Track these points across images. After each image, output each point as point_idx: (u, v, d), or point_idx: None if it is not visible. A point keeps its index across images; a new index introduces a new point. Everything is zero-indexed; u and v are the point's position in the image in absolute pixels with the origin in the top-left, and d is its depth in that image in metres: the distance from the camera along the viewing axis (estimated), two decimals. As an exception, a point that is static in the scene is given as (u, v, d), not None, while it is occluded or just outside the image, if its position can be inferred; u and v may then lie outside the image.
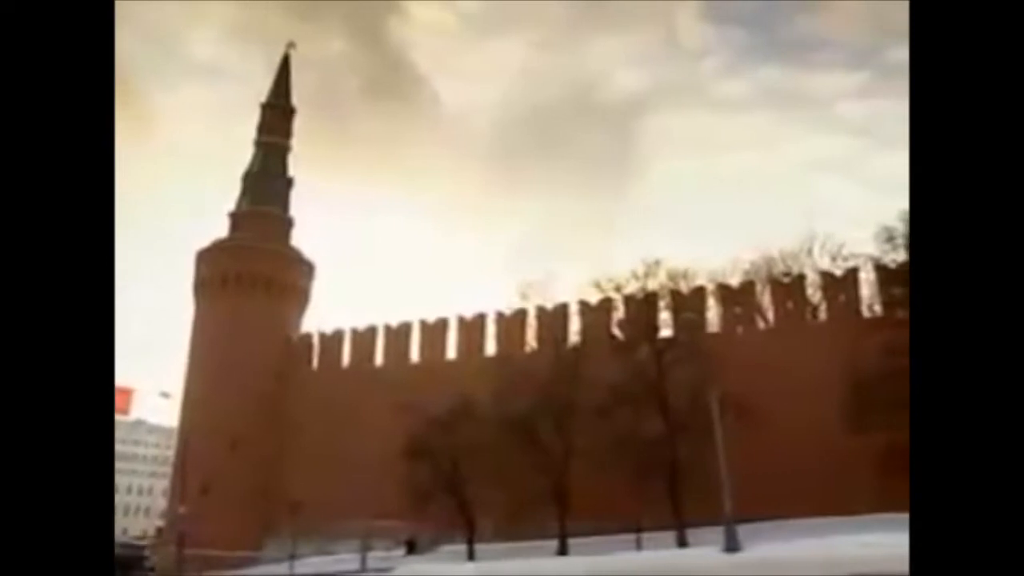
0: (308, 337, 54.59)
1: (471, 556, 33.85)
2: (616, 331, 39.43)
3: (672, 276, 37.80)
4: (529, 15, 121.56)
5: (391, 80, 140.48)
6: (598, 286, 38.89)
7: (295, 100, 61.92)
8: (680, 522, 31.78)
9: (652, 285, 37.36)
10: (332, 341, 53.28)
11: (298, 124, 61.49)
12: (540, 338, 43.80)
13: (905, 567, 16.05)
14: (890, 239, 33.04)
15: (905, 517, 23.06)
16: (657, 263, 37.01)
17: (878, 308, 36.96)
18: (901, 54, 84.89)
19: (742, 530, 22.70)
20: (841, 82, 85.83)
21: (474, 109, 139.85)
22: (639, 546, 30.32)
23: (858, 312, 38.28)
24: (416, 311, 53.05)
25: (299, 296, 56.59)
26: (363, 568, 34.96)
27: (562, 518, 33.87)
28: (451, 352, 49.42)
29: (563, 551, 33.01)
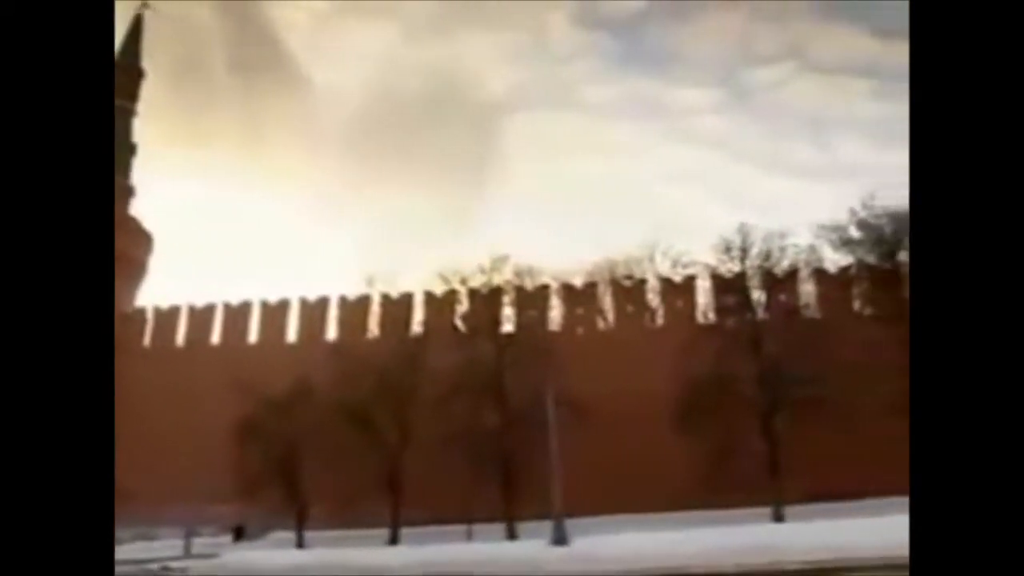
0: (142, 312, 52.40)
1: (300, 544, 33.34)
2: (459, 324, 39.60)
3: (518, 273, 38.33)
4: (403, 4, 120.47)
5: (258, 56, 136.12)
6: (444, 278, 39.02)
7: (150, 64, 59.20)
8: (511, 515, 32.25)
9: (497, 280, 37.78)
10: (167, 317, 51.33)
11: (152, 90, 58.82)
12: (383, 326, 43.54)
13: (719, 563, 16.75)
14: (727, 250, 34.48)
15: (725, 514, 24.09)
16: (504, 259, 37.45)
17: (712, 315, 38.44)
18: (758, 75, 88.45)
19: (572, 525, 23.20)
20: (701, 97, 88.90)
21: (340, 94, 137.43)
22: (469, 538, 30.56)
23: (693, 318, 39.73)
24: (258, 291, 51.71)
25: (133, 268, 54.24)
26: (186, 554, 33.83)
27: (395, 507, 33.79)
28: (291, 335, 48.49)
29: (394, 541, 32.95)
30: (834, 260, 35.67)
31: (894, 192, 33.31)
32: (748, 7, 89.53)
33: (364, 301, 45.63)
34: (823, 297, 36.37)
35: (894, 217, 32.65)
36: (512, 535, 31.58)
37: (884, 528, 18.98)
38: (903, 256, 33.49)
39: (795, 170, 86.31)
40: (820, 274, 36.58)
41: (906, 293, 33.63)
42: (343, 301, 47.36)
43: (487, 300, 37.80)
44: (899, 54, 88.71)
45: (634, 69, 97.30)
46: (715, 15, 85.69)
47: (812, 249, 34.77)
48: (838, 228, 33.65)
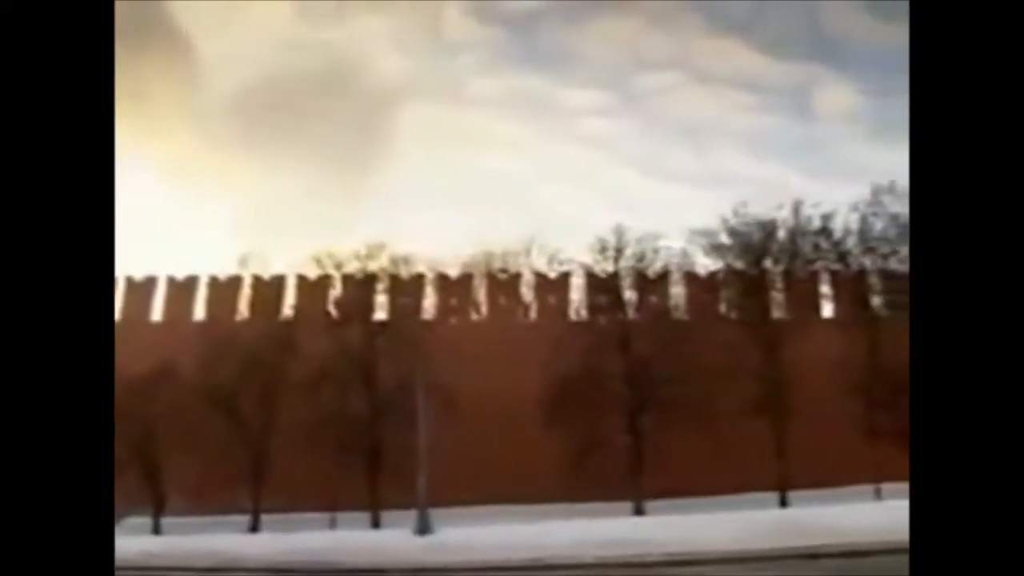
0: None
1: (157, 530, 32.30)
2: (332, 309, 39.04)
3: (394, 260, 38.07)
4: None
5: (144, 22, 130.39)
6: (318, 262, 38.38)
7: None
8: (376, 504, 32.03)
9: (373, 267, 37.47)
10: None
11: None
12: (253, 308, 42.49)
13: (580, 555, 16.98)
14: (603, 250, 35.11)
15: (588, 507, 24.45)
16: (381, 246, 37.16)
17: (584, 313, 38.95)
18: (646, 81, 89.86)
19: (438, 515, 23.20)
20: (589, 99, 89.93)
21: (228, 68, 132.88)
22: (333, 526, 30.21)
23: (566, 315, 40.19)
24: (124, 266, 49.47)
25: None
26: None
27: (257, 494, 33.12)
28: (157, 314, 46.75)
29: (255, 528, 32.30)
30: (704, 264, 36.68)
31: (764, 202, 34.61)
32: (642, 15, 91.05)
33: (235, 282, 44.40)
34: (692, 300, 37.35)
35: (762, 226, 33.89)
36: (376, 524, 31.37)
37: (739, 523, 19.68)
38: (768, 263, 34.78)
39: (674, 176, 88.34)
40: (690, 277, 37.56)
41: (768, 298, 34.96)
42: (213, 281, 45.97)
43: (361, 287, 37.43)
44: (781, 70, 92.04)
45: (525, 66, 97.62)
46: (609, 20, 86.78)
47: (684, 253, 35.75)
48: (709, 234, 34.67)
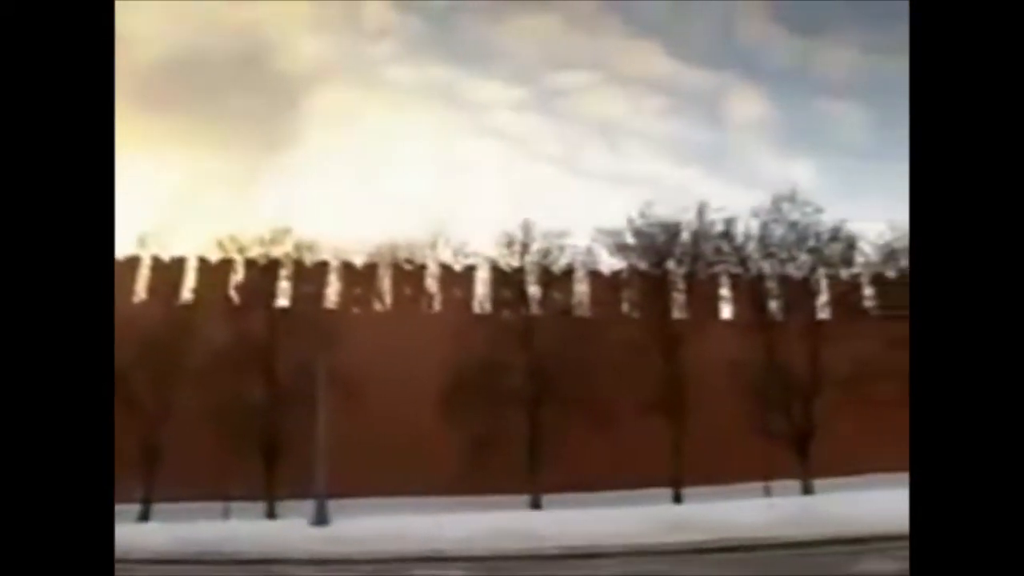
0: None
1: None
2: (233, 294, 38.27)
3: (298, 247, 37.54)
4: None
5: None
6: (221, 245, 37.56)
7: None
8: (272, 493, 31.58)
9: (276, 252, 36.88)
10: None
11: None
12: (151, 290, 41.32)
13: (476, 547, 17.05)
14: (509, 244, 35.28)
15: (486, 500, 24.54)
16: (285, 231, 36.60)
17: (488, 307, 39.09)
18: (562, 80, 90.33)
19: (336, 505, 23.02)
20: (504, 93, 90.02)
21: (138, 42, 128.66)
22: (226, 516, 29.67)
23: (469, 308, 40.25)
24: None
25: None
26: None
27: (148, 482, 32.27)
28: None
29: (145, 517, 31.49)
30: (609, 263, 37.17)
31: (670, 204, 35.26)
32: (560, 14, 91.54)
33: (133, 262, 43.08)
34: (595, 298, 37.81)
35: (666, 227, 34.53)
36: (272, 514, 30.94)
37: (634, 518, 20.07)
38: (670, 264, 35.45)
39: (584, 174, 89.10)
40: (594, 275, 38.01)
41: (669, 299, 35.65)
42: (109, 261, 44.50)
43: (264, 272, 36.80)
44: (694, 76, 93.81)
45: (442, 57, 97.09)
46: (528, 17, 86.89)
47: (589, 251, 36.16)
48: (615, 233, 35.14)
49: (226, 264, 39.56)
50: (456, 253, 42.53)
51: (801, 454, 31.42)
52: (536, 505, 30.49)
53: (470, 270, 41.74)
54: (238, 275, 39.04)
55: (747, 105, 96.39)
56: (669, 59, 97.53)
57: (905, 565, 13.52)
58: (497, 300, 37.87)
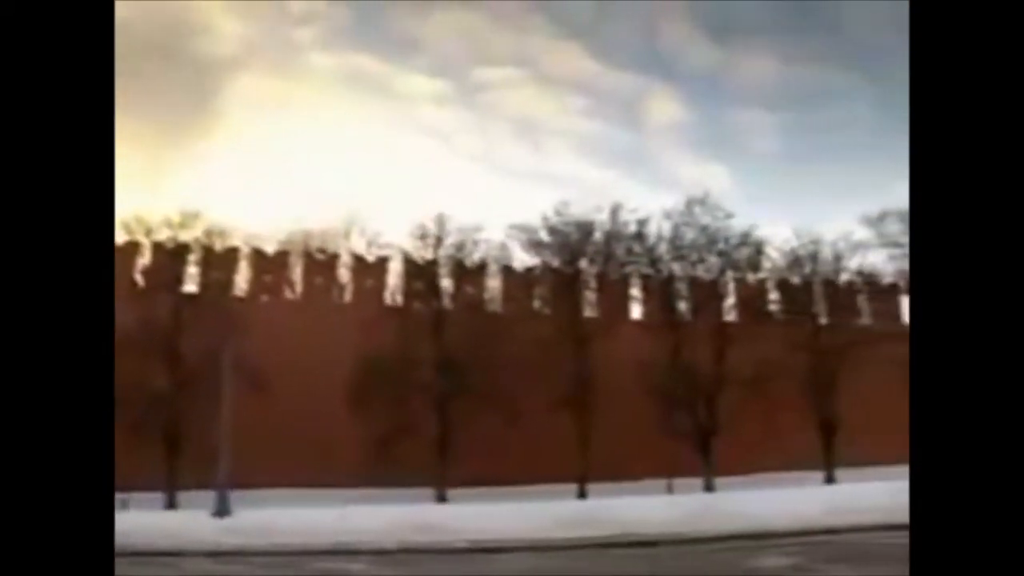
0: None
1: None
2: (138, 278, 37.25)
3: (208, 231, 36.74)
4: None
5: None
6: (127, 227, 36.49)
7: None
8: (173, 483, 30.90)
9: (185, 236, 36.04)
10: None
11: None
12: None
13: (381, 541, 16.95)
14: (423, 237, 35.18)
15: (392, 493, 24.34)
16: (195, 215, 35.79)
17: (400, 299, 38.86)
18: (486, 76, 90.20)
19: (239, 496, 22.63)
20: (427, 86, 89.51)
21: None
22: (125, 507, 28.87)
23: (381, 299, 39.96)
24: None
25: None
26: None
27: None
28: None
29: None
30: (522, 260, 37.32)
31: (585, 204, 35.59)
32: (487, 11, 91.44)
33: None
34: (507, 294, 37.95)
35: (580, 226, 34.85)
36: (172, 505, 30.27)
37: (539, 513, 20.22)
38: (583, 263, 35.83)
39: (503, 170, 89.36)
40: (507, 271, 38.15)
41: (580, 297, 36.01)
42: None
43: (171, 256, 35.92)
44: (615, 78, 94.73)
45: (367, 47, 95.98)
46: (454, 12, 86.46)
47: (503, 247, 36.27)
48: (529, 230, 35.33)
49: (132, 246, 38.47)
50: (370, 244, 42.22)
51: (704, 452, 32.12)
52: (442, 499, 30.48)
53: (383, 261, 41.45)
54: (144, 258, 38.04)
55: (666, 109, 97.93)
56: (592, 60, 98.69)
57: (797, 560, 13.96)
58: (409, 292, 37.67)
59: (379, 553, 16.14)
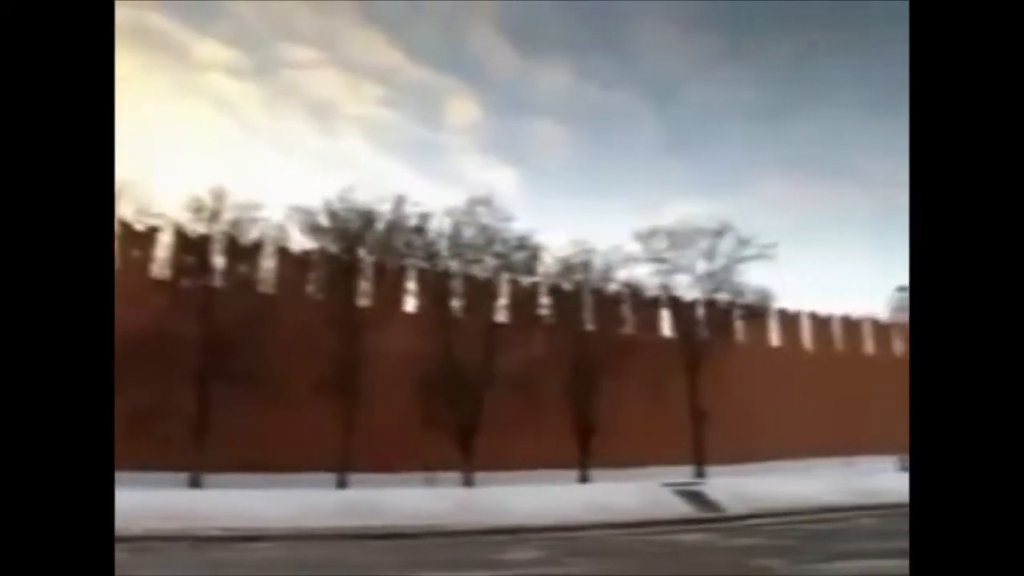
0: None
1: None
2: None
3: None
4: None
5: None
6: None
7: None
8: None
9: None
10: None
11: None
12: None
13: (128, 527, 16.24)
14: (198, 210, 33.80)
15: (147, 476, 23.31)
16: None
17: (168, 272, 37.09)
18: (284, 51, 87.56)
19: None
20: (220, 54, 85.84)
21: None
22: None
23: (147, 271, 38.03)
24: None
25: None
26: None
27: None
28: None
29: None
30: (300, 243, 36.51)
31: (370, 192, 35.38)
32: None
33: None
34: (281, 276, 37.12)
35: (362, 214, 34.61)
36: None
37: (299, 501, 20.02)
38: (362, 252, 35.63)
39: (292, 150, 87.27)
40: (283, 253, 37.30)
41: (356, 285, 35.79)
42: None
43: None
44: (418, 73, 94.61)
45: (163, 6, 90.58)
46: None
47: (282, 228, 35.41)
48: (310, 213, 34.69)
49: None
50: (140, 212, 40.04)
51: (466, 448, 32.77)
52: (196, 484, 29.42)
53: (153, 232, 39.45)
54: None
55: (463, 110, 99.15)
56: (397, 53, 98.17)
57: (543, 554, 14.62)
58: (178, 267, 36.01)
59: (129, 540, 15.41)
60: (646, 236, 39.10)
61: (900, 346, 54.13)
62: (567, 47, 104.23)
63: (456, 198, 39.78)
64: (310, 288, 37.36)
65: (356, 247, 35.34)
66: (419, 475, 30.62)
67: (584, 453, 34.99)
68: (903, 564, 12.32)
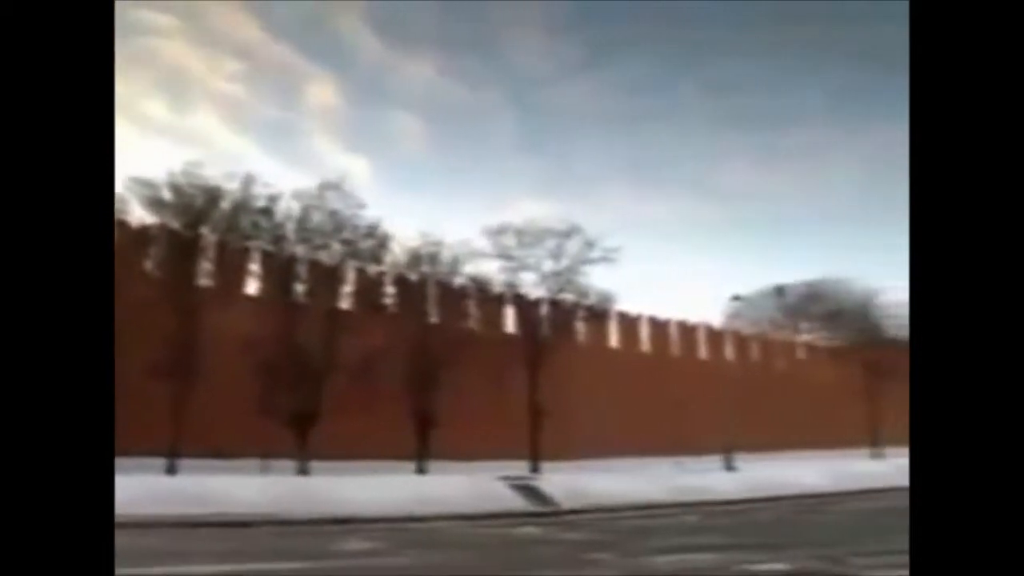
0: None
1: None
2: None
3: None
4: None
5: None
6: None
7: None
8: None
9: None
10: None
11: None
12: None
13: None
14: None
15: None
16: None
17: None
18: (139, 16, 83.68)
19: None
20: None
21: None
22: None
23: None
24: None
25: None
26: None
27: None
28: None
29: None
30: (140, 217, 34.94)
31: (218, 169, 34.32)
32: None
33: None
34: (118, 251, 35.02)
35: (207, 192, 33.48)
36: None
37: (125, 486, 19.26)
38: (205, 230, 34.48)
39: (136, 120, 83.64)
40: (122, 226, 35.65)
41: (197, 264, 34.67)
42: None
43: None
44: (279, 51, 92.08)
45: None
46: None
47: (121, 200, 33.83)
48: (151, 186, 33.31)
49: None
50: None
51: (303, 436, 32.28)
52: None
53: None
54: None
55: (322, 93, 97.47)
56: (259, 30, 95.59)
57: (378, 545, 14.66)
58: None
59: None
60: (495, 232, 39.49)
61: (731, 352, 56.75)
62: (431, 41, 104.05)
63: (308, 182, 39.15)
64: (148, 265, 35.90)
65: (199, 225, 34.17)
66: (254, 462, 29.98)
67: (422, 445, 35.06)
68: (719, 558, 13.02)
